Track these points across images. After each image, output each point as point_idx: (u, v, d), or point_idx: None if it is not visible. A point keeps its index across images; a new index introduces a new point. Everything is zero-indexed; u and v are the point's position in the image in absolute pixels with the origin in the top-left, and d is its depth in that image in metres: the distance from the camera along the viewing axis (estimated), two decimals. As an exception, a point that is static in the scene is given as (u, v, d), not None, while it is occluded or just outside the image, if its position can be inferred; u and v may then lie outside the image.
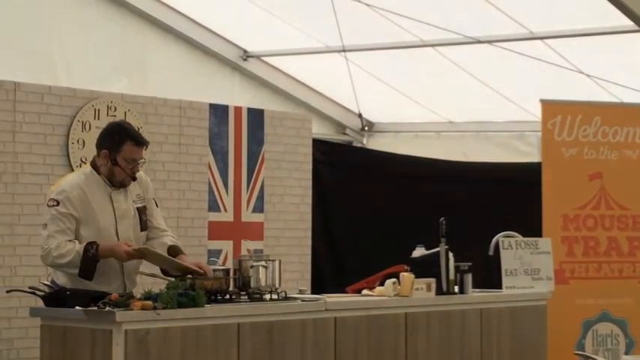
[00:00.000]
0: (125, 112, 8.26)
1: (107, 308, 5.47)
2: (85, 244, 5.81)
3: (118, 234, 5.99)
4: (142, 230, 6.13)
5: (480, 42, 9.48)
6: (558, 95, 9.31)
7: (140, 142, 6.02)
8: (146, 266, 6.26)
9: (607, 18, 8.65)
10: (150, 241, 6.19)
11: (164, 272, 6.16)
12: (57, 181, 6.26)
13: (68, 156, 7.91)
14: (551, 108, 9.17)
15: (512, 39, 9.42)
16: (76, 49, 9.24)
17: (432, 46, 9.96)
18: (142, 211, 6.13)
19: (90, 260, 5.78)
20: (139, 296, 5.66)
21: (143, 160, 6.10)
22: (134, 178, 6.03)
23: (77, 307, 5.58)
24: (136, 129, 6.23)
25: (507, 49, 9.45)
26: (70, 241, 5.84)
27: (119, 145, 5.94)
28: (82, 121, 8.00)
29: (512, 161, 10.73)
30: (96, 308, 5.52)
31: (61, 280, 5.97)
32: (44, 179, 7.80)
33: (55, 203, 5.87)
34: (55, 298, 5.82)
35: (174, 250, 6.13)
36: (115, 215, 6.00)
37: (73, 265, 5.80)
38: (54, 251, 5.81)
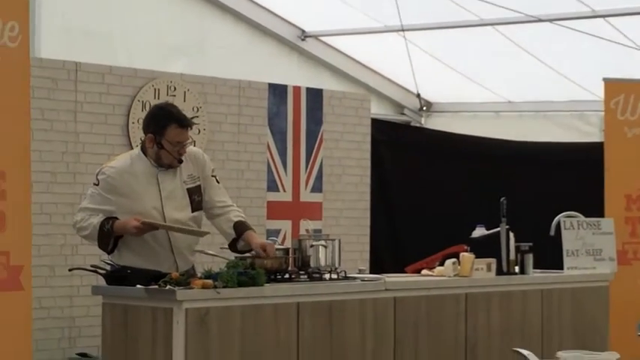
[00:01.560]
0: (184, 92, 8.28)
1: (168, 287, 5.49)
2: (102, 219, 5.85)
3: (165, 215, 5.95)
4: (193, 211, 6.04)
5: (540, 20, 9.38)
6: (620, 74, 9.18)
7: (185, 124, 5.94)
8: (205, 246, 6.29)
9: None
10: (216, 218, 6.15)
11: (231, 249, 6.13)
12: (109, 160, 6.27)
13: (128, 136, 7.96)
14: (614, 87, 9.05)
15: (573, 17, 9.30)
16: (136, 29, 9.28)
17: (492, 25, 9.87)
18: (193, 192, 6.03)
19: (105, 235, 5.85)
20: (199, 275, 5.69)
21: (189, 141, 6.02)
22: (180, 161, 5.95)
23: (138, 286, 5.62)
24: (181, 110, 6.17)
25: (568, 28, 9.33)
26: (95, 216, 5.89)
27: (163, 128, 5.88)
28: (142, 101, 8.04)
29: (572, 141, 10.62)
30: (157, 287, 5.55)
31: (118, 259, 6.00)
32: (105, 159, 7.80)
33: (96, 182, 5.94)
34: (117, 276, 5.87)
35: (240, 227, 6.07)
36: (160, 196, 5.96)
37: (92, 239, 5.92)
38: (77, 224, 5.94)
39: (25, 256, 5.06)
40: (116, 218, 5.89)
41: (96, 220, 5.88)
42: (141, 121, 7.90)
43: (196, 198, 6.04)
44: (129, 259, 5.96)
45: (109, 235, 5.86)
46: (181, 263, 6.04)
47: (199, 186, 6.06)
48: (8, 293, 4.89)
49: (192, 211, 6.03)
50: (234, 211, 6.15)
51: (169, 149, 5.88)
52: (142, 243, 5.92)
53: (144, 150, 5.99)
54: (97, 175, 5.97)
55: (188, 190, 6.01)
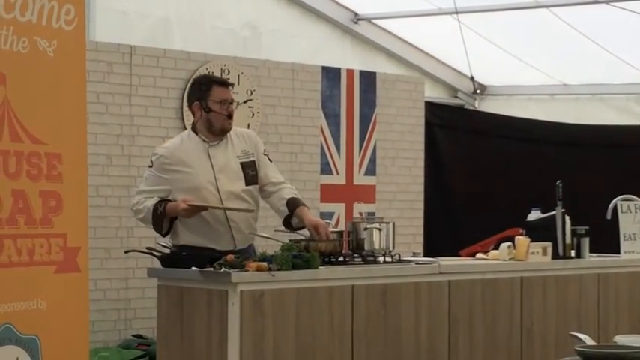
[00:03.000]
0: (238, 75, 8.30)
1: (223, 269, 5.51)
2: (155, 202, 5.96)
3: (219, 189, 6.00)
4: (247, 185, 6.08)
5: (597, 2, 9.27)
6: (678, 56, 9.08)
7: (225, 82, 6.14)
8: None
9: None
10: (270, 196, 6.19)
11: (286, 227, 6.17)
12: (159, 145, 6.41)
13: (182, 119, 8.00)
14: (671, 69, 8.94)
15: (630, -1, 9.20)
16: (190, 12, 9.30)
17: (547, 7, 9.77)
18: (247, 166, 6.09)
19: (159, 218, 5.97)
20: (254, 258, 5.70)
21: (236, 102, 6.16)
22: (230, 116, 6.03)
23: (193, 268, 5.64)
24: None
25: (625, 9, 9.22)
26: (151, 199, 6.00)
27: (206, 91, 6.03)
28: (197, 84, 8.06)
29: (629, 124, 10.51)
30: (212, 269, 5.57)
31: (176, 239, 6.07)
32: (159, 142, 7.85)
33: (150, 164, 6.08)
34: (172, 258, 5.90)
35: (293, 203, 6.09)
36: (213, 170, 6.01)
37: (147, 221, 6.04)
38: (134, 207, 6.09)
39: (81, 238, 5.09)
40: (169, 201, 5.95)
41: (150, 202, 5.98)
42: (195, 104, 8.00)
43: (250, 172, 6.09)
44: (186, 238, 6.02)
45: (162, 218, 5.96)
46: (239, 240, 6.09)
47: (253, 162, 6.12)
48: (66, 275, 4.92)
49: (246, 185, 6.08)
50: (287, 189, 6.19)
51: (217, 109, 6.00)
52: (199, 221, 5.98)
53: (194, 129, 6.11)
54: (151, 158, 6.11)
55: (241, 164, 6.08)
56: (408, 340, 6.07)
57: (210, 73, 6.69)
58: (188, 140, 6.08)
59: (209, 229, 6.00)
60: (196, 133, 6.08)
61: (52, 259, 4.83)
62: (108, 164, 7.65)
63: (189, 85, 6.36)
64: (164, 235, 6.08)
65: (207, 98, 6.00)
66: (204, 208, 5.93)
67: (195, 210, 5.91)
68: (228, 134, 6.09)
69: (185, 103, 7.94)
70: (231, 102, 6.06)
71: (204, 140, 6.05)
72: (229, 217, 6.03)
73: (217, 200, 5.97)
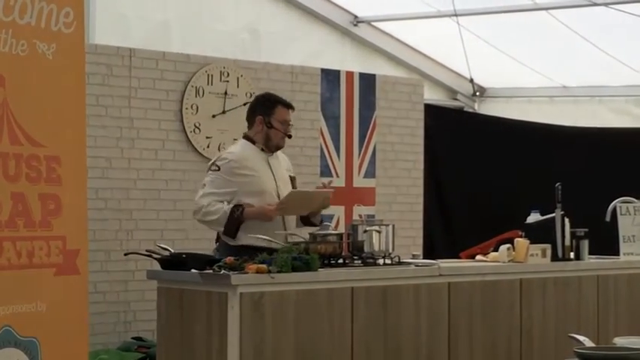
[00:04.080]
0: (238, 78, 8.31)
1: (222, 271, 5.52)
2: (232, 205, 6.21)
3: (279, 196, 6.37)
4: None
5: (595, 4, 9.28)
6: (676, 58, 9.08)
7: (289, 105, 6.58)
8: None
9: None
10: None
11: (305, 223, 6.50)
12: (223, 150, 6.74)
13: (182, 121, 8.00)
14: (670, 71, 8.94)
15: (629, 1, 9.19)
16: (190, 15, 9.31)
17: (546, 9, 9.79)
18: (292, 179, 6.59)
19: (234, 221, 6.22)
20: (253, 260, 5.70)
21: (292, 124, 6.57)
22: (289, 136, 6.53)
23: (193, 270, 5.65)
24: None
25: (624, 12, 9.23)
26: (220, 202, 6.24)
27: (271, 109, 6.46)
28: (196, 87, 8.08)
29: (627, 126, 10.51)
30: (212, 271, 5.57)
31: (235, 242, 6.27)
32: (159, 144, 7.91)
33: (217, 168, 6.34)
34: (172, 261, 5.91)
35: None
36: (275, 179, 6.42)
37: (218, 224, 6.26)
38: (204, 208, 6.26)
39: (81, 241, 5.09)
40: (242, 206, 6.23)
41: (226, 206, 6.22)
42: (194, 106, 8.02)
43: (294, 185, 6.59)
44: (246, 240, 6.21)
45: (239, 221, 6.22)
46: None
47: (295, 178, 6.66)
48: (65, 277, 4.92)
49: None
50: None
51: (278, 127, 6.44)
52: (260, 224, 6.23)
53: (249, 139, 6.48)
54: (215, 162, 6.37)
55: (290, 177, 6.60)
56: (407, 342, 6.08)
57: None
58: (248, 148, 6.46)
59: (267, 233, 6.12)
60: (253, 143, 6.45)
61: (52, 261, 4.84)
62: (107, 167, 7.65)
63: (253, 100, 6.76)
64: (234, 238, 6.27)
65: (272, 115, 6.44)
66: (284, 206, 6.25)
67: (280, 210, 6.26)
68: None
69: (185, 106, 8.00)
70: (290, 124, 6.53)
71: (262, 150, 6.45)
72: (286, 222, 6.38)
73: None
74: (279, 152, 6.59)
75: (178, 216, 7.96)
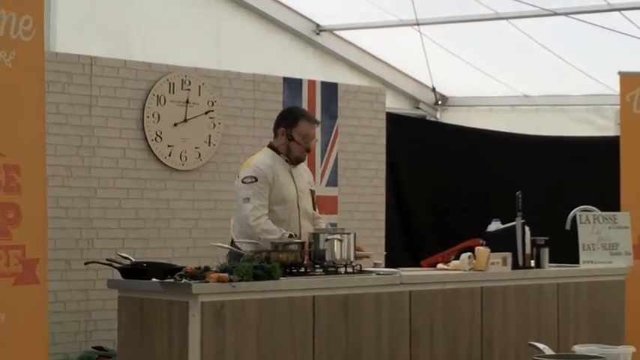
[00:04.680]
0: (199, 86, 8.29)
1: (183, 280, 5.50)
2: (289, 234, 6.36)
3: (299, 206, 6.61)
4: (313, 208, 6.78)
5: (556, 14, 9.35)
6: (637, 68, 9.14)
7: (313, 120, 6.77)
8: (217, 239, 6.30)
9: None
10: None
11: None
12: (246, 160, 6.75)
13: (144, 130, 7.98)
14: (629, 80, 9.00)
15: (589, 10, 9.28)
16: (151, 23, 9.29)
17: (507, 19, 9.85)
18: (312, 193, 6.81)
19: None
20: (214, 269, 5.69)
21: (316, 140, 6.82)
22: (308, 150, 6.68)
23: (154, 280, 5.62)
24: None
25: (584, 21, 9.30)
26: (268, 219, 6.43)
27: (295, 122, 6.63)
28: (157, 95, 8.06)
29: (588, 135, 10.59)
30: (172, 280, 5.55)
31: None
32: (120, 153, 7.88)
33: (254, 179, 6.49)
34: (132, 270, 5.88)
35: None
36: (296, 189, 6.63)
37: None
38: (263, 225, 6.39)
39: (40, 250, 5.07)
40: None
41: (283, 232, 6.35)
42: (156, 114, 8.01)
43: (314, 198, 6.84)
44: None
45: None
46: None
47: (314, 191, 6.88)
48: (24, 287, 4.90)
49: (313, 209, 6.79)
50: (320, 222, 6.87)
51: (299, 141, 6.61)
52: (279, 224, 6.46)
53: (274, 149, 6.67)
54: (250, 173, 6.50)
55: (310, 190, 6.79)
56: (369, 350, 6.08)
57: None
58: (274, 158, 6.64)
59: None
60: (278, 154, 6.64)
61: (11, 271, 4.82)
62: (68, 175, 7.61)
63: (280, 112, 6.96)
64: None
65: (294, 128, 6.61)
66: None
67: None
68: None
69: (146, 114, 7.98)
70: (313, 138, 6.70)
71: (286, 161, 6.65)
72: (302, 232, 6.52)
73: (296, 215, 6.61)
74: (302, 165, 6.80)
75: (139, 225, 7.93)
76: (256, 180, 6.49)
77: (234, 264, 5.69)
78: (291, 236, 6.35)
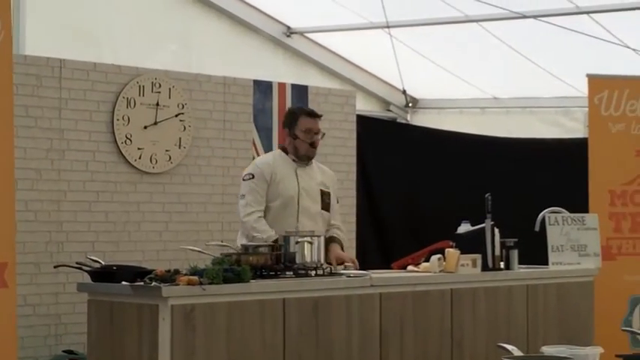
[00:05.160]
0: (170, 89, 8.28)
1: (153, 283, 5.49)
2: (274, 238, 6.37)
3: (299, 204, 6.66)
4: (322, 208, 6.79)
5: (525, 17, 9.40)
6: (605, 70, 9.21)
7: (312, 113, 6.81)
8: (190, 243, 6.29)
9: (655, -9, 8.54)
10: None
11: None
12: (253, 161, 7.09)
13: (113, 132, 7.96)
14: (598, 83, 9.07)
15: (558, 14, 9.33)
16: (121, 26, 9.27)
17: (477, 21, 9.88)
18: (325, 194, 6.82)
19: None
20: (185, 272, 5.68)
21: (322, 133, 6.78)
22: (313, 145, 6.70)
23: (124, 283, 5.61)
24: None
25: (553, 24, 9.35)
26: (261, 217, 6.56)
27: (295, 120, 6.74)
28: (127, 98, 8.04)
29: (558, 137, 10.65)
30: (142, 283, 5.54)
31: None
32: (90, 156, 7.86)
33: (251, 176, 6.67)
34: (102, 273, 5.87)
35: (327, 240, 6.62)
36: (298, 187, 6.67)
37: (260, 241, 6.29)
38: (253, 223, 6.53)
39: (8, 253, 5.05)
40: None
41: (272, 233, 6.43)
42: (125, 117, 7.99)
43: (326, 200, 6.84)
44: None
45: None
46: None
47: (330, 193, 6.87)
48: (-7, 290, 4.87)
49: (321, 208, 6.79)
50: (334, 229, 6.91)
51: (302, 137, 6.69)
52: (276, 222, 6.57)
53: (284, 150, 6.80)
54: (249, 170, 6.72)
55: (321, 190, 6.80)
56: (339, 353, 6.09)
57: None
58: (280, 158, 6.77)
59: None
60: (287, 154, 6.75)
61: (-21, 274, 4.79)
62: (37, 178, 7.58)
63: (285, 112, 7.12)
64: None
65: (295, 126, 6.72)
66: None
67: None
68: (314, 164, 6.85)
69: (116, 117, 7.96)
70: (317, 132, 6.73)
71: (293, 160, 6.73)
72: (300, 222, 6.53)
73: (295, 212, 6.64)
74: (320, 167, 6.92)
75: (110, 228, 7.91)
76: (253, 177, 6.66)
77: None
78: (276, 240, 6.34)
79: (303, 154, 6.73)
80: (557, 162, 10.15)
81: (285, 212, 6.64)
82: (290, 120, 6.81)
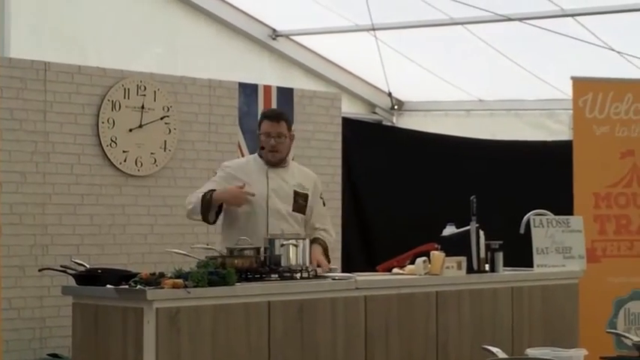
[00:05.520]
0: (155, 92, 8.27)
1: (138, 287, 5.48)
2: (205, 192, 6.47)
3: (268, 203, 6.56)
4: (294, 210, 6.68)
5: (510, 19, 9.42)
6: (589, 73, 9.24)
7: (271, 116, 6.75)
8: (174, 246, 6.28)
9: (639, -6, 8.58)
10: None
11: None
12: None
13: (98, 135, 7.95)
14: (582, 85, 9.10)
15: (543, 16, 9.35)
16: (105, 28, 9.25)
17: (462, 24, 9.90)
18: (299, 196, 6.71)
19: (206, 204, 6.45)
20: (169, 275, 5.68)
21: (284, 136, 6.65)
22: (271, 149, 6.61)
23: (108, 286, 5.61)
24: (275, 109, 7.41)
25: (538, 27, 9.38)
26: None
27: (260, 124, 6.74)
28: (112, 101, 8.03)
29: (542, 139, 10.67)
30: (127, 287, 5.54)
31: (222, 244, 6.43)
32: (75, 159, 7.85)
33: (214, 174, 6.78)
34: (87, 276, 5.86)
35: (312, 242, 6.55)
36: (267, 187, 6.59)
37: (196, 212, 6.51)
38: (188, 205, 6.56)
39: (-7, 257, 5.04)
40: (213, 190, 6.48)
41: (196, 195, 6.51)
42: (110, 120, 7.98)
43: (300, 201, 6.73)
44: (233, 238, 6.28)
45: (209, 203, 6.45)
46: None
47: (307, 195, 6.75)
48: (-23, 294, 4.86)
49: (293, 210, 6.68)
50: (320, 231, 6.84)
51: (263, 141, 6.66)
52: (244, 227, 6.49)
53: (260, 154, 6.74)
54: (217, 171, 6.77)
55: (295, 191, 6.70)
56: (324, 355, 6.09)
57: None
58: (253, 161, 6.76)
59: (253, 238, 6.22)
60: (261, 157, 6.70)
61: (-37, 278, 4.78)
62: (22, 181, 7.57)
63: None
64: (212, 223, 6.61)
65: (260, 131, 6.71)
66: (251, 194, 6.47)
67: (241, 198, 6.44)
68: (292, 165, 6.82)
69: (101, 120, 7.95)
70: (277, 136, 6.63)
71: (266, 163, 6.68)
72: (270, 227, 6.49)
73: (264, 213, 6.55)
74: (301, 169, 6.87)
75: (95, 231, 7.90)
76: (215, 174, 6.74)
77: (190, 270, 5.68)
78: (208, 192, 6.44)
79: (267, 158, 6.68)
80: (542, 164, 10.17)
81: (255, 214, 6.56)
82: (258, 125, 6.80)
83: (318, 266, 6.47)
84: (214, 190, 6.51)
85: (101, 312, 5.61)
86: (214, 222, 6.63)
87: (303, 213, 6.74)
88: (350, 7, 9.96)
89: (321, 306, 6.11)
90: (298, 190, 6.72)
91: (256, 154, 6.82)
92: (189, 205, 6.56)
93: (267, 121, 6.69)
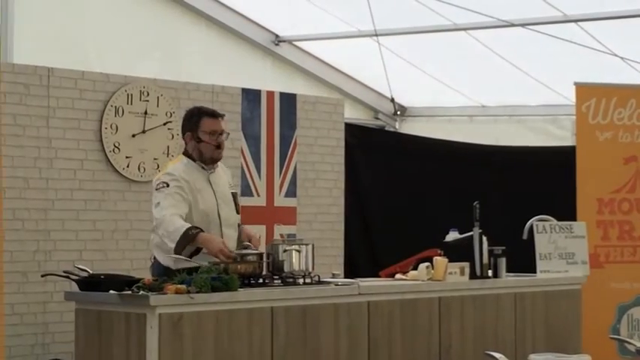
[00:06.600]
0: (158, 97, 8.27)
1: (141, 292, 5.49)
2: (190, 226, 6.03)
3: (220, 216, 6.32)
4: (237, 213, 6.49)
5: (513, 25, 9.42)
6: (592, 78, 9.24)
7: (215, 114, 6.44)
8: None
9: (641, 0, 8.58)
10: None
11: None
12: (162, 169, 6.65)
13: (102, 141, 7.94)
14: (585, 91, 9.11)
15: (545, 22, 9.35)
16: (109, 34, 9.26)
17: (465, 29, 9.91)
18: (235, 196, 6.52)
19: (186, 239, 5.98)
20: (172, 280, 5.68)
21: (226, 134, 6.43)
22: (219, 147, 6.35)
23: (111, 291, 5.61)
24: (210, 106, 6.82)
25: (541, 32, 9.39)
26: (181, 216, 6.10)
27: (197, 122, 6.36)
28: (115, 106, 8.03)
29: (545, 145, 10.67)
30: (130, 292, 5.54)
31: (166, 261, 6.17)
32: (78, 164, 7.84)
33: (165, 185, 6.20)
34: (90, 282, 5.86)
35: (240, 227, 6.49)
36: (215, 197, 6.34)
37: (172, 239, 5.99)
38: (166, 221, 6.04)
39: (-4, 262, 5.04)
40: (201, 230, 6.05)
41: (181, 224, 6.03)
42: (114, 125, 7.98)
43: (237, 202, 6.53)
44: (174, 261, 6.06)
45: (189, 240, 6.00)
46: None
47: (237, 193, 6.63)
48: (-20, 299, 4.87)
49: (237, 213, 6.49)
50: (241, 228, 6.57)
51: (207, 139, 6.32)
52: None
53: (188, 156, 6.40)
54: (162, 179, 6.23)
55: (232, 193, 6.53)
56: (327, 361, 6.10)
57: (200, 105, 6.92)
58: (191, 167, 6.36)
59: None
60: (193, 160, 6.37)
61: (-34, 283, 4.78)
62: (25, 187, 7.56)
63: (183, 117, 6.61)
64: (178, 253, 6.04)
65: (198, 129, 6.34)
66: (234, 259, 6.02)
67: (226, 259, 5.98)
68: (217, 164, 6.44)
69: (104, 125, 7.95)
70: (221, 133, 6.38)
71: (203, 167, 6.36)
72: (225, 238, 6.21)
73: (217, 225, 6.29)
74: (220, 166, 6.51)
75: (98, 236, 7.89)
76: (167, 186, 6.19)
77: (193, 276, 5.67)
78: (193, 228, 6.00)
79: (208, 157, 6.34)
80: (545, 170, 10.17)
81: (207, 226, 6.20)
82: (192, 123, 6.39)
83: (249, 241, 6.27)
84: (199, 228, 6.07)
85: (104, 318, 5.62)
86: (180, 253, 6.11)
87: (239, 213, 6.57)
88: (353, 13, 9.97)
89: (324, 311, 6.11)
90: (232, 190, 6.55)
91: (187, 159, 6.40)
92: (168, 228, 6.04)
93: (211, 118, 6.38)
